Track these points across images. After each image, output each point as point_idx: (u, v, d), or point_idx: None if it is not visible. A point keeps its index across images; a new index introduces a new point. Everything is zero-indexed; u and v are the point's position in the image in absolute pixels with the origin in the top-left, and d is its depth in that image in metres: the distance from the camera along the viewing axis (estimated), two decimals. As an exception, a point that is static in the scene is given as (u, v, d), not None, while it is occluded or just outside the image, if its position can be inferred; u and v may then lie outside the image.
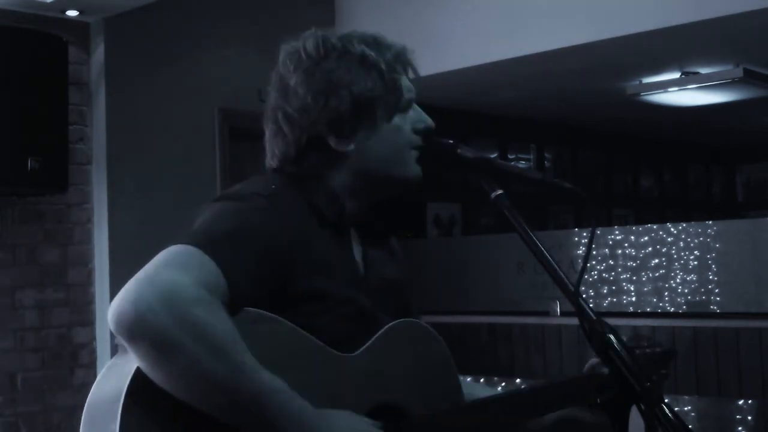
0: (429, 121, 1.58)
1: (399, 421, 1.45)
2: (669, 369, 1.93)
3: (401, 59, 1.58)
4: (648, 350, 1.86)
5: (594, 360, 1.77)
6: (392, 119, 1.54)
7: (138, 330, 1.21)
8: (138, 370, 1.25)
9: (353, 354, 1.44)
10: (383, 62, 1.53)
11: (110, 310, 1.24)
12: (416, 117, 1.58)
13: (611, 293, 5.26)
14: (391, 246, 1.67)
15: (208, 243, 1.31)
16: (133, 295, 1.23)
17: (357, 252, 1.57)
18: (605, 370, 1.71)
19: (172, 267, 1.27)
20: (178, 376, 1.23)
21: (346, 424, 1.34)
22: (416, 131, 1.57)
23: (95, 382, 1.32)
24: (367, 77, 1.51)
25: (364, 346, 1.46)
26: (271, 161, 1.57)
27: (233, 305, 1.30)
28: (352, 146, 1.52)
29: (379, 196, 1.59)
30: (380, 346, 1.48)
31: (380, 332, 1.49)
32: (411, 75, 1.61)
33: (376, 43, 1.56)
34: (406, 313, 1.59)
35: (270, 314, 1.35)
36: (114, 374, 1.30)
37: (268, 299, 1.36)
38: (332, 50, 1.53)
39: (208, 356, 1.22)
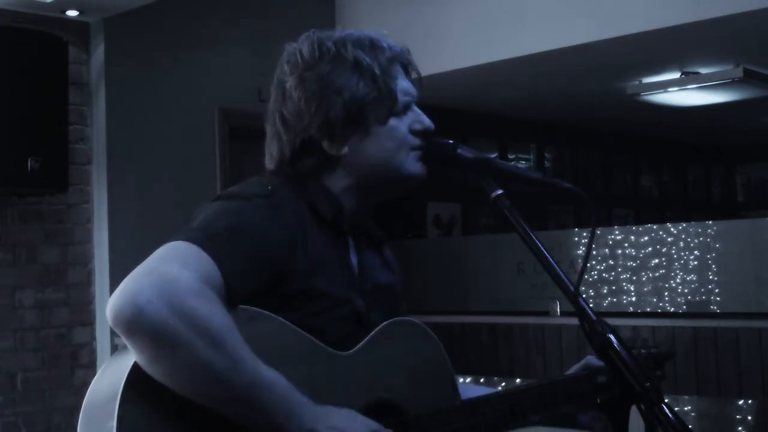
0: (427, 122, 1.58)
1: (395, 419, 1.45)
2: (664, 370, 1.93)
3: (400, 61, 1.57)
4: (643, 351, 1.86)
5: (589, 357, 1.77)
6: (387, 122, 1.53)
7: (136, 324, 1.22)
8: (133, 368, 1.25)
9: (349, 352, 1.45)
10: (377, 66, 1.52)
11: (108, 305, 1.24)
12: (414, 118, 1.57)
13: (611, 293, 5.27)
14: (386, 254, 1.68)
15: (206, 240, 1.32)
16: (132, 289, 1.23)
17: (353, 256, 1.57)
18: (598, 367, 1.72)
19: (170, 262, 1.28)
20: (177, 369, 1.24)
21: (344, 419, 1.34)
22: (413, 132, 1.56)
23: (92, 382, 1.32)
24: (360, 82, 1.51)
25: (360, 344, 1.47)
26: (269, 163, 1.57)
27: (230, 302, 1.31)
28: (345, 149, 1.51)
29: (378, 197, 1.59)
30: (376, 344, 1.49)
31: (376, 330, 1.50)
32: (413, 76, 1.60)
33: (371, 46, 1.55)
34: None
35: (266, 312, 1.36)
36: (110, 373, 1.31)
37: (265, 297, 1.37)
38: (326, 54, 1.52)
39: (206, 349, 1.23)
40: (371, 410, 1.42)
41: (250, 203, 1.43)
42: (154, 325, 1.21)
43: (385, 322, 1.52)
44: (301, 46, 1.55)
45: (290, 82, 1.53)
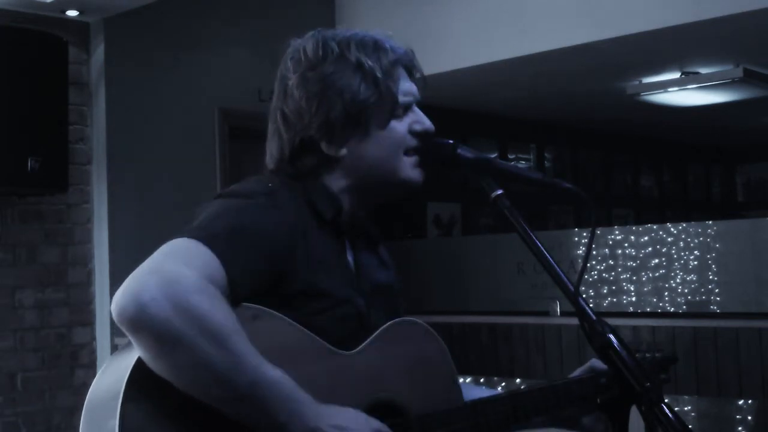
0: (427, 124, 1.57)
1: (397, 419, 1.45)
2: (669, 374, 1.93)
3: (403, 63, 1.57)
4: (648, 355, 1.86)
5: (594, 360, 1.76)
6: (387, 125, 1.53)
7: (140, 322, 1.22)
8: (135, 367, 1.26)
9: (352, 351, 1.45)
10: (379, 69, 1.52)
11: (113, 302, 1.25)
12: (414, 119, 1.57)
13: (611, 293, 5.26)
14: (381, 253, 1.68)
15: (209, 237, 1.32)
16: (136, 286, 1.24)
17: (349, 256, 1.57)
18: (603, 370, 1.71)
19: (174, 259, 1.28)
20: (181, 366, 1.24)
21: (348, 417, 1.34)
22: (412, 133, 1.56)
23: (94, 380, 1.33)
24: (361, 84, 1.51)
25: (363, 344, 1.47)
26: (269, 161, 1.57)
27: (233, 300, 1.31)
28: (344, 150, 1.52)
29: (376, 198, 1.59)
30: (379, 343, 1.49)
31: (379, 330, 1.50)
32: (417, 76, 1.60)
33: (375, 47, 1.54)
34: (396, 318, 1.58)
35: (269, 310, 1.36)
36: (111, 372, 1.31)
37: (265, 297, 1.37)
38: (330, 55, 1.52)
39: (208, 347, 1.23)
40: (373, 410, 1.42)
41: (252, 201, 1.43)
42: (157, 323, 1.22)
43: (389, 322, 1.52)
44: (306, 43, 1.55)
45: (292, 81, 1.53)
